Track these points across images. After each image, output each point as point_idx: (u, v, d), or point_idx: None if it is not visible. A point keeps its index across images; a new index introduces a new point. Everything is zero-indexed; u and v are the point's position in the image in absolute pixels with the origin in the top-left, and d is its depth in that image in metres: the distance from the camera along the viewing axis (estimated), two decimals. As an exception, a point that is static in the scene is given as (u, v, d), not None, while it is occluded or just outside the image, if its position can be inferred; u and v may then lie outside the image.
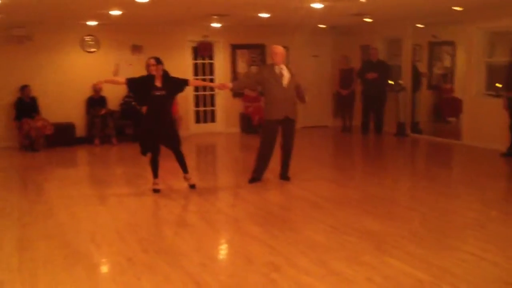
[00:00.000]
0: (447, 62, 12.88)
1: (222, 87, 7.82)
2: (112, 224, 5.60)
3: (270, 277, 4.09)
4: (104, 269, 4.38)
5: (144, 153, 6.94)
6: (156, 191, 6.86)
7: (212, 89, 12.46)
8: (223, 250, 4.95)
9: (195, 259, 4.52)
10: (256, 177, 7.26)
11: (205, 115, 12.80)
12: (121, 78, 6.92)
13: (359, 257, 4.51)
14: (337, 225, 5.42)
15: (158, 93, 6.62)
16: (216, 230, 5.42)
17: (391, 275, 4.11)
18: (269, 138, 7.16)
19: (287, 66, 7.11)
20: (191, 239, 5.08)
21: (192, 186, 7.03)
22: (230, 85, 7.33)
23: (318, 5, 7.87)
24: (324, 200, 6.45)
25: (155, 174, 6.92)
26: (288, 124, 7.14)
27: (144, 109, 7.17)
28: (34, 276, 4.19)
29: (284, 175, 7.38)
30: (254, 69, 12.36)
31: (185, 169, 7.00)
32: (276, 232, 5.22)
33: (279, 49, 7.02)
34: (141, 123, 7.08)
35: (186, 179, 7.05)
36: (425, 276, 4.05)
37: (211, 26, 11.86)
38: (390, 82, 11.71)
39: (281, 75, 6.98)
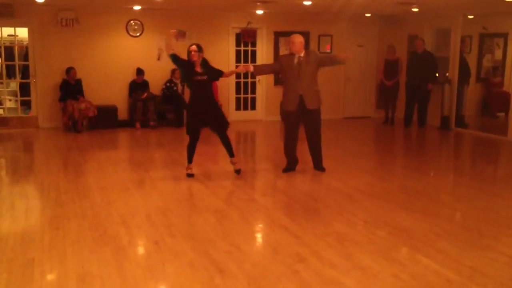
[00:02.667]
0: (498, 55, 12.42)
1: (244, 69, 7.60)
2: (143, 208, 5.66)
3: (294, 268, 4.04)
4: (131, 252, 4.42)
5: (188, 133, 7.01)
6: (189, 175, 6.92)
7: (253, 76, 12.40)
8: (249, 239, 4.92)
9: (221, 246, 4.52)
10: (289, 167, 7.20)
11: (245, 102, 12.76)
12: (174, 50, 6.87)
13: (387, 252, 4.41)
14: (369, 219, 5.32)
15: (199, 78, 6.74)
16: (245, 218, 5.39)
17: (419, 273, 4.00)
18: (288, 128, 7.14)
19: (309, 54, 6.98)
20: (219, 226, 5.08)
21: (238, 171, 7.07)
22: (251, 68, 7.27)
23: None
24: (359, 192, 6.34)
25: (190, 160, 6.97)
26: (308, 115, 7.02)
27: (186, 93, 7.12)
28: (62, 256, 4.28)
29: (318, 166, 7.28)
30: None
31: (231, 153, 7.05)
32: (305, 223, 5.16)
33: (296, 38, 6.92)
34: (186, 108, 7.15)
35: (232, 163, 7.10)
36: (454, 276, 3.92)
37: (254, 13, 11.79)
38: (435, 74, 11.38)
39: (299, 64, 6.88)
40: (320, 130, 7.20)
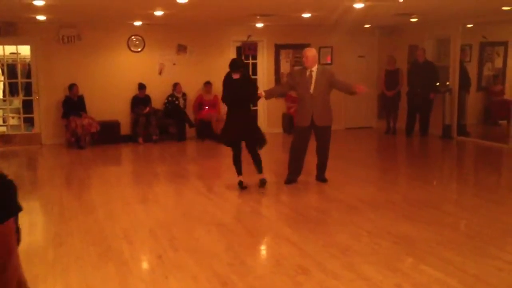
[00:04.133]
0: (498, 63, 12.45)
1: None
2: (146, 222, 5.67)
3: (296, 280, 4.05)
4: (134, 267, 4.42)
5: (227, 144, 7.05)
6: (242, 187, 6.91)
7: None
8: (252, 251, 4.93)
9: (224, 259, 4.53)
10: (291, 178, 7.20)
11: (247, 115, 12.77)
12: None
13: (391, 262, 4.40)
14: (372, 229, 5.32)
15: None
16: (248, 230, 5.40)
17: (422, 282, 4.00)
18: (298, 143, 7.07)
19: (322, 69, 6.95)
20: (222, 239, 5.09)
21: (262, 181, 7.03)
22: (262, 93, 7.21)
23: (359, 5, 7.73)
24: (362, 203, 6.33)
25: (239, 171, 6.97)
26: (318, 131, 7.00)
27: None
28: (66, 271, 4.30)
29: (320, 177, 7.28)
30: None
31: (259, 169, 7.04)
32: (308, 234, 5.16)
33: (309, 52, 6.83)
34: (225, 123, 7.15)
35: (260, 178, 7.09)
36: (458, 285, 3.92)
37: (255, 26, 11.86)
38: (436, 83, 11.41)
39: (310, 78, 6.82)
40: (329, 146, 7.17)
